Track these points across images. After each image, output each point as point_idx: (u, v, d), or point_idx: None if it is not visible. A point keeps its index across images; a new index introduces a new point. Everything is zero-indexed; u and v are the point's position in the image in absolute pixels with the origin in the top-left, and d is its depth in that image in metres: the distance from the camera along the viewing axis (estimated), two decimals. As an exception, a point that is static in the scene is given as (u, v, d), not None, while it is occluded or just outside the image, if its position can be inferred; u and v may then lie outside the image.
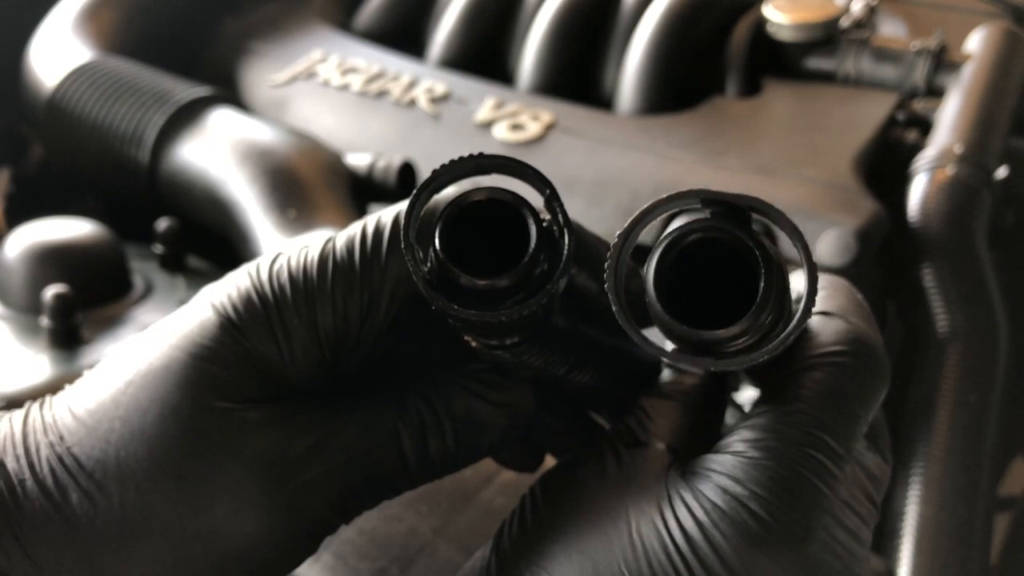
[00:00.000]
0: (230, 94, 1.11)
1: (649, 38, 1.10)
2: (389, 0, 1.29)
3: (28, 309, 0.85)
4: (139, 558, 0.39)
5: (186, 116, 1.02)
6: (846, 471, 0.38)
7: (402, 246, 0.37)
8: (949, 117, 0.99)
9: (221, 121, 1.01)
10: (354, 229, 0.44)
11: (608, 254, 0.36)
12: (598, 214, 0.93)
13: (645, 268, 0.36)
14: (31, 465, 0.39)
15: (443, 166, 0.37)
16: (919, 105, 1.06)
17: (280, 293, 0.42)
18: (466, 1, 1.20)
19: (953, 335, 0.86)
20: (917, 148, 0.99)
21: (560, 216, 0.37)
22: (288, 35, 1.25)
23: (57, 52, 1.12)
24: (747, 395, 0.48)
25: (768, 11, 1.12)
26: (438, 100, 1.11)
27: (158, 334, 0.42)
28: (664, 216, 0.38)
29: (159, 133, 1.00)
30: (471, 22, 1.20)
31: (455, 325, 0.40)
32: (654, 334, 0.37)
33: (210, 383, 0.40)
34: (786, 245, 0.38)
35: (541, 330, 0.42)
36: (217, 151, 0.97)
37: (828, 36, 1.11)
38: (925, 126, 1.04)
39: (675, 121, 1.06)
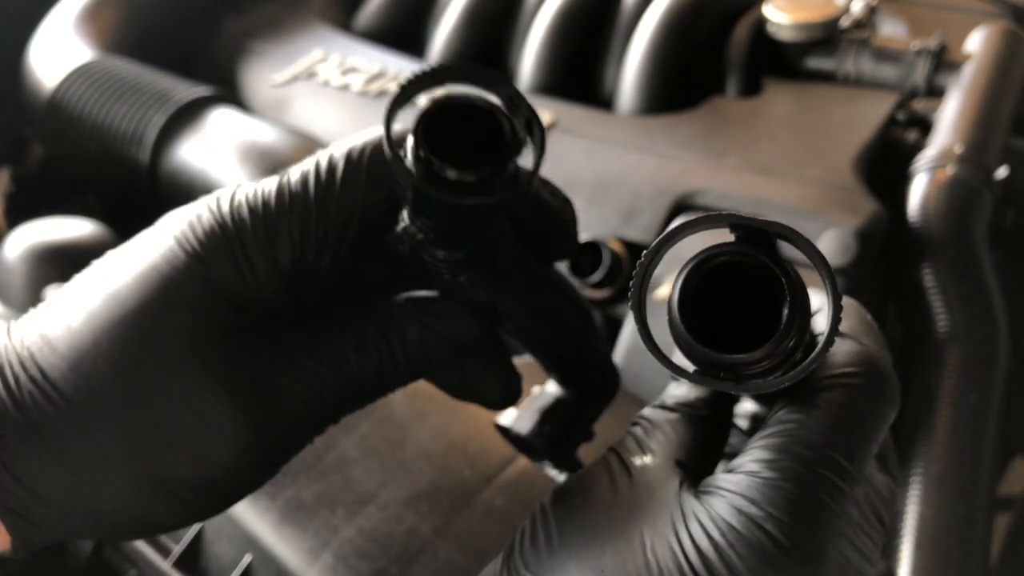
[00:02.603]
0: (230, 94, 1.11)
1: (649, 38, 1.10)
2: (389, 0, 1.29)
3: (28, 309, 0.84)
4: (113, 474, 0.43)
5: (186, 116, 1.02)
6: (858, 492, 0.39)
7: (385, 151, 0.41)
8: (949, 117, 0.99)
9: (221, 121, 1.01)
10: (307, 164, 0.46)
11: (633, 274, 0.37)
12: (598, 214, 0.93)
13: (671, 289, 0.37)
14: (12, 396, 0.42)
15: (410, 79, 0.40)
16: (919, 105, 1.06)
17: (240, 226, 0.44)
18: (466, 1, 1.20)
19: (953, 335, 0.86)
20: (917, 148, 0.99)
21: (525, 112, 0.41)
22: (288, 35, 1.25)
23: (57, 52, 1.12)
24: (745, 408, 0.48)
25: (768, 11, 1.12)
26: (438, 100, 1.11)
27: (125, 265, 0.45)
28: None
29: (159, 133, 1.00)
30: (471, 22, 1.20)
31: (419, 241, 0.44)
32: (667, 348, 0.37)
33: (179, 314, 0.43)
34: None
35: (491, 255, 0.46)
36: (217, 151, 0.97)
37: (828, 36, 1.11)
38: (925, 126, 1.04)
39: (675, 121, 1.06)
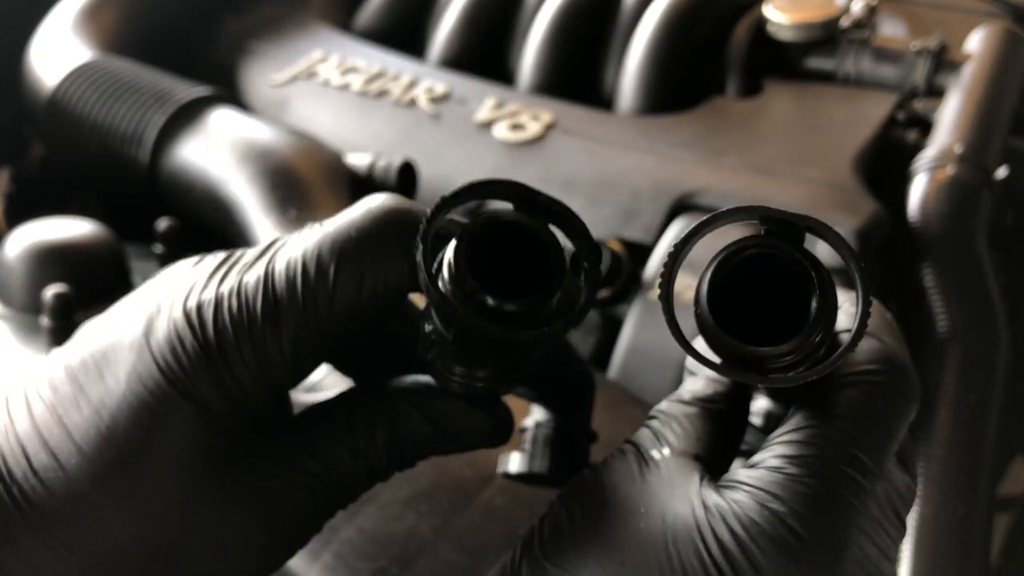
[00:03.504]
0: (230, 94, 1.11)
1: (649, 38, 1.10)
2: (389, 0, 1.29)
3: (28, 309, 0.85)
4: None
5: (186, 116, 1.02)
6: (879, 489, 0.39)
7: (421, 278, 0.38)
8: (949, 117, 0.99)
9: (221, 121, 1.01)
10: (294, 258, 0.42)
11: (663, 265, 0.37)
12: (598, 214, 0.93)
13: (699, 281, 0.37)
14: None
15: (447, 197, 0.38)
16: (919, 105, 1.06)
17: (226, 349, 0.41)
18: (466, 1, 1.20)
19: (953, 335, 0.86)
20: (917, 148, 0.99)
21: (580, 234, 0.38)
22: (288, 35, 1.25)
23: (57, 52, 1.12)
24: (760, 404, 0.48)
25: (768, 11, 1.12)
26: (438, 100, 1.11)
27: (111, 389, 0.42)
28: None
29: (159, 133, 1.00)
30: (471, 22, 1.20)
31: (433, 346, 0.41)
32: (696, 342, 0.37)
33: (171, 449, 0.41)
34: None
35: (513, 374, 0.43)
36: (217, 151, 0.97)
37: (828, 36, 1.11)
38: (925, 126, 1.04)
39: (675, 121, 1.06)
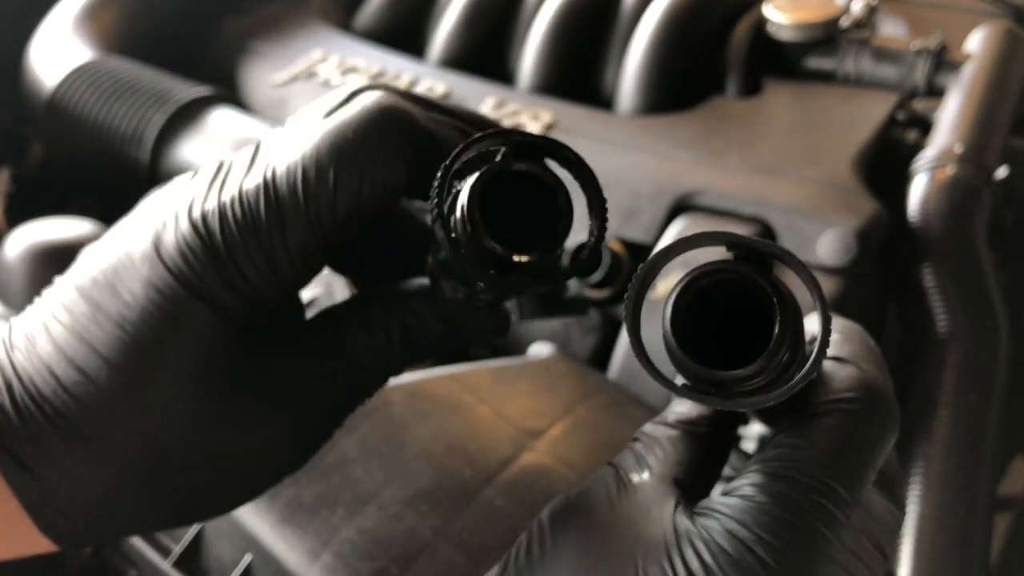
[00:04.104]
0: (230, 94, 1.11)
1: (649, 38, 1.10)
2: (389, 0, 1.29)
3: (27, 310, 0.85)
4: (148, 483, 0.44)
5: (186, 116, 1.02)
6: (853, 519, 0.39)
7: (434, 222, 0.40)
8: (949, 117, 0.99)
9: (221, 121, 1.01)
10: (293, 163, 0.43)
11: (629, 288, 0.38)
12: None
13: (664, 305, 0.37)
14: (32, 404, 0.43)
15: (466, 142, 0.40)
16: (919, 105, 1.06)
17: (235, 250, 0.43)
18: (466, 1, 1.20)
19: (953, 335, 0.86)
20: (917, 148, 0.99)
21: (588, 182, 0.42)
22: (288, 35, 1.25)
23: (57, 52, 1.12)
24: (754, 430, 0.48)
25: (768, 11, 1.12)
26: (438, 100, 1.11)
27: (121, 292, 0.43)
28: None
29: (159, 133, 1.00)
30: (471, 22, 1.20)
31: (447, 275, 0.44)
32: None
33: (190, 350, 0.43)
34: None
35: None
36: (217, 151, 0.97)
37: (828, 36, 1.11)
38: (925, 126, 1.04)
39: (675, 121, 1.06)
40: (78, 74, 1.07)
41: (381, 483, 0.68)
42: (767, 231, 0.90)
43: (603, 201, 0.42)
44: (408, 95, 0.47)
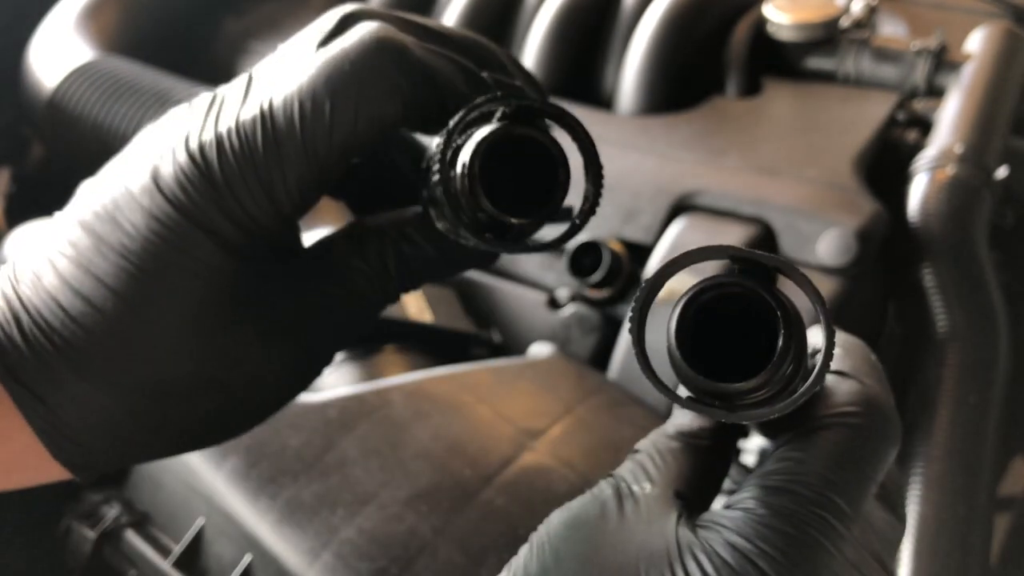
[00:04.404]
0: (230, 94, 1.11)
1: (649, 38, 1.10)
2: (389, 0, 1.29)
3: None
4: (157, 404, 0.46)
5: (186, 116, 1.02)
6: (855, 532, 0.39)
7: (440, 184, 0.41)
8: (949, 117, 0.99)
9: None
10: (289, 96, 0.44)
11: (634, 301, 0.38)
12: (598, 214, 0.93)
13: (668, 319, 0.37)
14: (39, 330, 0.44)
15: (471, 105, 0.42)
16: (919, 105, 1.06)
17: (232, 180, 0.43)
18: (466, 1, 1.20)
19: (953, 335, 0.86)
20: (917, 148, 0.99)
21: (586, 146, 0.44)
22: (288, 35, 1.25)
23: (57, 52, 1.12)
24: (754, 443, 0.48)
25: (768, 11, 1.12)
26: (438, 100, 1.11)
27: (122, 222, 0.44)
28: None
29: (159, 133, 1.00)
30: (471, 22, 1.20)
31: (431, 201, 0.45)
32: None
33: (190, 276, 0.44)
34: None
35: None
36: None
37: (828, 36, 1.11)
38: (925, 126, 1.04)
39: (675, 121, 1.06)
40: (78, 74, 1.07)
41: (381, 483, 0.68)
42: (767, 231, 0.90)
43: (599, 167, 0.45)
44: (405, 22, 0.48)
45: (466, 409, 0.75)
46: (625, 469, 0.43)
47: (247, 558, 0.66)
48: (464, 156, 0.41)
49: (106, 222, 0.44)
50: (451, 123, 0.42)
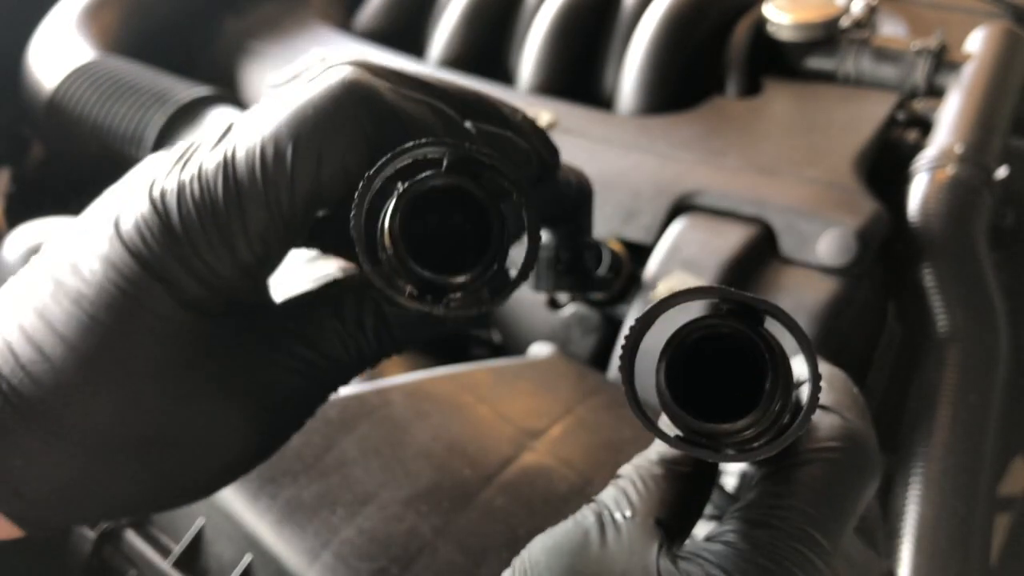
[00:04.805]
0: (230, 94, 1.11)
1: (649, 38, 1.10)
2: (389, 0, 1.29)
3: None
4: (109, 467, 0.43)
5: (186, 116, 1.02)
6: (833, 567, 0.39)
7: (361, 259, 0.37)
8: (949, 117, 0.99)
9: (221, 121, 1.01)
10: (252, 144, 0.42)
11: (622, 344, 0.38)
12: (598, 214, 0.93)
13: (659, 358, 0.38)
14: None
15: (385, 159, 0.38)
16: (919, 105, 1.06)
17: (192, 231, 0.41)
18: (466, 1, 1.20)
19: (953, 335, 0.86)
20: (917, 148, 0.99)
21: (518, 195, 0.38)
22: (288, 35, 1.25)
23: (57, 52, 1.12)
24: (736, 466, 0.49)
25: (768, 11, 1.12)
26: (438, 100, 1.11)
27: (83, 274, 0.42)
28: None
29: (159, 133, 1.00)
30: (471, 22, 1.20)
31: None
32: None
33: (149, 332, 0.41)
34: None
35: None
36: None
37: (828, 36, 1.11)
38: (925, 126, 1.04)
39: (675, 121, 1.06)
40: (78, 74, 1.07)
41: (381, 483, 0.68)
42: (767, 231, 0.90)
43: (536, 214, 0.38)
44: (384, 70, 0.46)
45: (466, 409, 0.75)
46: (607, 495, 0.44)
47: (247, 558, 0.66)
48: (388, 210, 0.38)
49: (65, 266, 0.43)
50: (370, 170, 0.38)
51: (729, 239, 0.88)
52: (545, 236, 0.57)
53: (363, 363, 0.46)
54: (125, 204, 0.43)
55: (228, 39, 1.26)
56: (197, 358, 0.43)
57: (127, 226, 0.42)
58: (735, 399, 0.37)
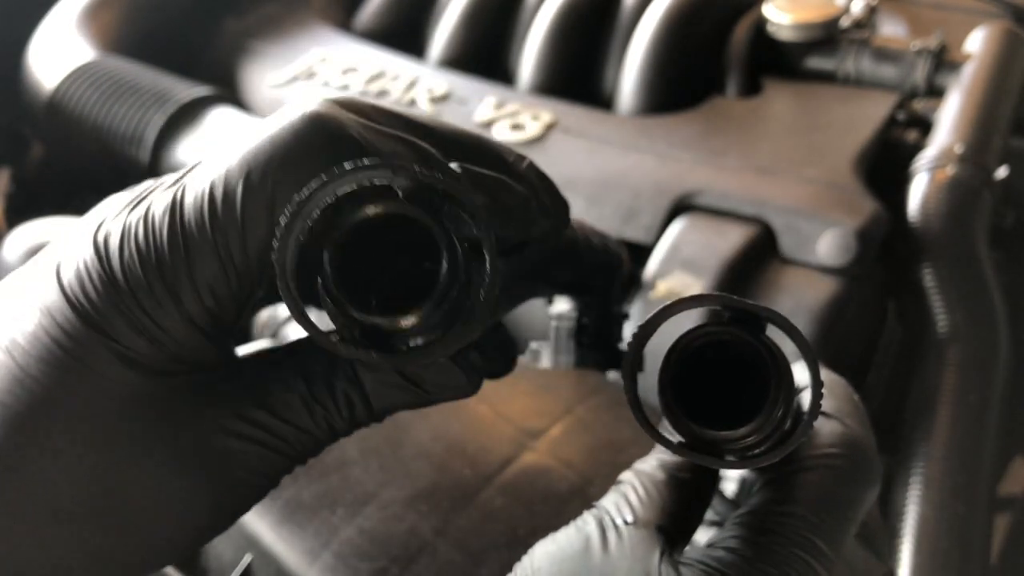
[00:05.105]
0: (230, 94, 1.11)
1: (649, 38, 1.10)
2: (389, 0, 1.29)
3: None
4: (55, 545, 0.38)
5: (186, 116, 1.02)
6: (834, 572, 0.40)
7: (289, 307, 0.33)
8: (949, 117, 0.99)
9: (221, 121, 1.01)
10: (199, 192, 0.36)
11: (628, 346, 0.38)
12: (598, 214, 0.93)
13: (662, 365, 0.38)
14: None
15: (315, 188, 0.32)
16: (919, 105, 1.06)
17: (136, 286, 0.36)
18: (466, 1, 1.20)
19: (953, 335, 0.86)
20: (917, 148, 0.99)
21: (479, 227, 0.33)
22: (288, 35, 1.25)
23: (57, 52, 1.12)
24: (736, 473, 0.49)
25: (768, 11, 1.12)
26: (438, 100, 1.11)
27: (21, 326, 0.37)
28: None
29: (159, 133, 1.00)
30: (471, 22, 1.20)
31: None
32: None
33: (95, 395, 0.37)
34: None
35: None
36: (217, 151, 0.97)
37: (828, 36, 1.11)
38: (925, 126, 1.04)
39: (675, 121, 1.06)
40: (78, 74, 1.07)
41: (381, 483, 0.68)
42: (767, 231, 0.90)
43: (494, 245, 0.33)
44: (365, 106, 0.40)
45: (466, 409, 0.75)
46: (609, 501, 0.44)
47: (247, 558, 0.66)
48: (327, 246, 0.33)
49: (4, 313, 0.38)
50: (291, 206, 0.33)
51: (729, 239, 0.87)
52: (566, 304, 0.54)
53: (334, 434, 0.41)
54: (70, 247, 0.37)
55: (228, 39, 1.26)
56: (146, 423, 0.38)
57: (68, 273, 0.37)
58: (737, 406, 0.37)
